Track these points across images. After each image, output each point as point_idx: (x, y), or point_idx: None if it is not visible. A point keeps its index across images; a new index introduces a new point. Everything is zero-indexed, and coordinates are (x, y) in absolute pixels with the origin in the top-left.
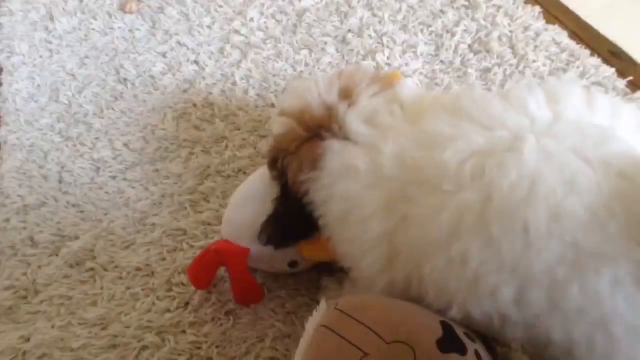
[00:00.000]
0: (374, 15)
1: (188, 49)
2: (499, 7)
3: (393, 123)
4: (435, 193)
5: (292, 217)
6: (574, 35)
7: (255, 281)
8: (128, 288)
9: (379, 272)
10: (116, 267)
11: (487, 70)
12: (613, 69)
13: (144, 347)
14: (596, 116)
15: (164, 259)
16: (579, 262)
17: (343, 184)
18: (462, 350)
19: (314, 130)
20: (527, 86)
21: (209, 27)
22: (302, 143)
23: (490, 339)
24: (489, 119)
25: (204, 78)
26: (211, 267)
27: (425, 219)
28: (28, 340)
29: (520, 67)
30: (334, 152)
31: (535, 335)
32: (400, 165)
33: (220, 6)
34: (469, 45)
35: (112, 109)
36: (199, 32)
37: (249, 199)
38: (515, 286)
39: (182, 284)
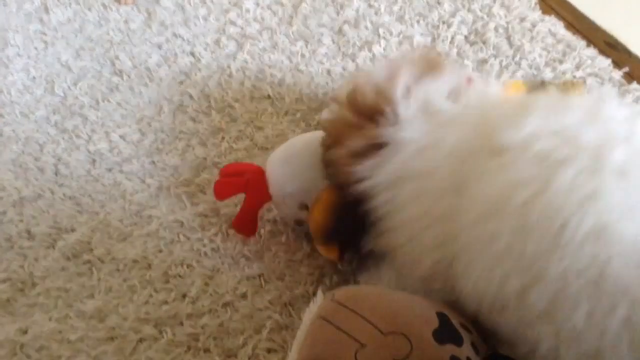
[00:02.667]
0: (370, 6)
1: (184, 40)
2: None
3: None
4: (495, 163)
5: (353, 214)
6: (570, 27)
7: (256, 220)
8: (125, 280)
9: (431, 249)
10: (113, 259)
11: (484, 61)
12: (609, 60)
13: (142, 339)
14: None
15: (161, 251)
16: (599, 285)
17: (409, 165)
18: (459, 341)
19: (367, 115)
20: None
21: (204, 18)
22: (354, 129)
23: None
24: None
25: (200, 70)
26: (235, 189)
27: (478, 190)
28: (25, 332)
29: (517, 59)
30: (395, 137)
31: (524, 339)
32: (466, 143)
33: None
34: (465, 37)
35: (108, 101)
36: (194, 23)
37: (290, 161)
38: (522, 280)
39: (180, 276)
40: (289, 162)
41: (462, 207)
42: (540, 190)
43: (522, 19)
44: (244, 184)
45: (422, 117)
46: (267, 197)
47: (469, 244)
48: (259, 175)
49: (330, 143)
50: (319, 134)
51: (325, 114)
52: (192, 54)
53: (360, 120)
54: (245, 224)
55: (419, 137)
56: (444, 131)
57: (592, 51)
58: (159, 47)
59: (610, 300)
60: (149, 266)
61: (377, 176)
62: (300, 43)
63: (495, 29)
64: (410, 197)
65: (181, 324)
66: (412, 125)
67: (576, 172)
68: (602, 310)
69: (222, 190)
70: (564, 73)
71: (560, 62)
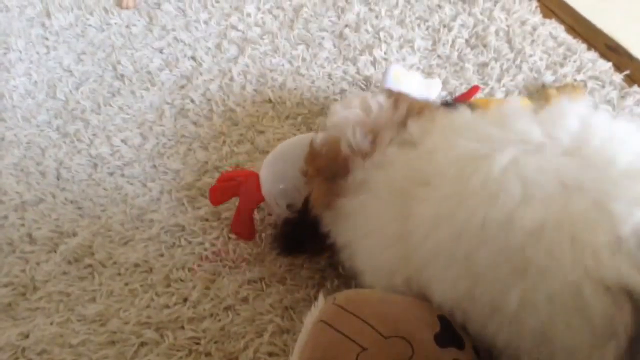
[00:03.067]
0: (371, 10)
1: (185, 44)
2: (496, 2)
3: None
4: (428, 189)
5: (308, 229)
6: (571, 30)
7: (253, 223)
8: (127, 284)
9: (392, 271)
10: (115, 263)
11: (484, 64)
12: (610, 63)
13: (143, 343)
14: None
15: (162, 255)
16: (523, 269)
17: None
18: (460, 345)
19: (336, 174)
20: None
21: (206, 22)
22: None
23: None
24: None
25: (201, 74)
26: (228, 193)
27: (417, 213)
28: (27, 336)
29: (517, 62)
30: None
31: (485, 339)
32: (410, 171)
33: (217, 2)
34: (466, 40)
35: (110, 105)
36: (196, 27)
37: (281, 159)
38: (467, 280)
39: (181, 280)
40: (278, 162)
41: (411, 230)
42: (458, 201)
43: (523, 23)
44: (237, 186)
45: (376, 162)
46: (260, 197)
47: (423, 259)
48: (252, 178)
49: (310, 175)
50: (307, 136)
51: (319, 139)
52: (194, 58)
53: (332, 172)
54: (242, 227)
55: (370, 179)
56: (383, 173)
57: (592, 54)
58: (161, 51)
59: (532, 280)
60: (150, 270)
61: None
62: (302, 47)
63: (496, 33)
64: (365, 228)
65: (182, 327)
66: (367, 170)
67: (478, 180)
68: (530, 290)
69: (217, 195)
70: (564, 76)
71: (561, 65)
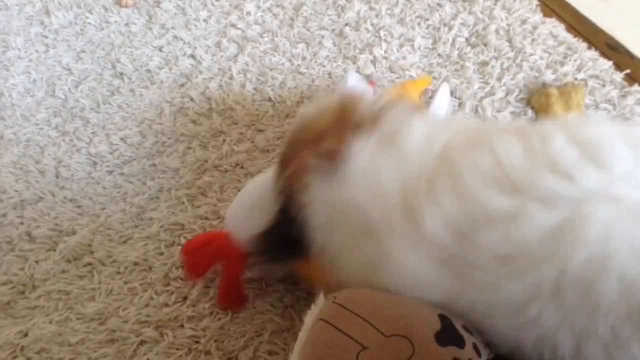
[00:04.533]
0: (371, 8)
1: (185, 43)
2: (496, 1)
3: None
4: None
5: (290, 233)
6: (571, 29)
7: (242, 290)
8: (126, 283)
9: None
10: (114, 261)
11: (485, 63)
12: (610, 62)
13: (143, 342)
14: None
15: (161, 254)
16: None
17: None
18: (461, 344)
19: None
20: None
21: (205, 21)
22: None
23: None
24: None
25: (200, 72)
26: (208, 258)
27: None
28: (26, 335)
29: (518, 61)
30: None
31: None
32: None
33: (217, 0)
34: (467, 39)
35: (109, 103)
36: (195, 26)
37: (248, 196)
38: (573, 341)
39: (180, 278)
40: (243, 204)
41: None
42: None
43: (523, 21)
44: (214, 252)
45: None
46: (244, 256)
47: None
48: (226, 238)
49: (288, 159)
50: (265, 175)
51: (306, 109)
52: (193, 56)
53: (316, 158)
54: (233, 296)
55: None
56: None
57: (593, 53)
58: (160, 49)
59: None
60: (150, 269)
61: (315, 204)
62: (301, 45)
63: (497, 31)
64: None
65: (182, 326)
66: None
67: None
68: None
69: (195, 268)
70: (565, 75)
71: (562, 64)
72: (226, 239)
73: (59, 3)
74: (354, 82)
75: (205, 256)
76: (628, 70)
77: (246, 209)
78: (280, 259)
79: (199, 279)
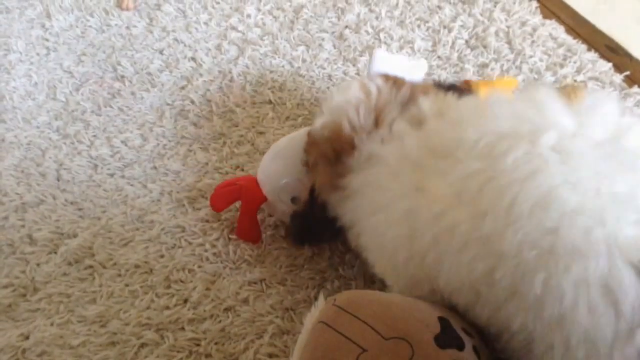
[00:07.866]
0: (371, 11)
1: (185, 45)
2: (496, 3)
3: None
4: (448, 162)
5: (317, 218)
6: (571, 31)
7: (258, 225)
8: (127, 285)
9: (397, 248)
10: (115, 264)
11: (485, 65)
12: (610, 64)
13: (143, 345)
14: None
15: (162, 256)
16: (552, 251)
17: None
18: (460, 346)
19: (340, 154)
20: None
21: (206, 23)
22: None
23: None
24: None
25: (201, 75)
26: (230, 197)
27: (432, 187)
28: (27, 338)
29: (518, 63)
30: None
31: (498, 322)
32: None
33: (218, 3)
34: (466, 41)
35: (110, 106)
36: (196, 28)
37: (279, 156)
38: (487, 262)
39: (181, 281)
40: (276, 160)
41: (421, 206)
42: (487, 178)
43: (523, 23)
44: (237, 190)
45: (382, 137)
46: (262, 198)
47: (433, 238)
48: (251, 181)
49: (312, 163)
50: (300, 132)
51: (317, 123)
52: (194, 59)
53: (335, 153)
54: (248, 229)
55: (379, 153)
56: (394, 146)
57: (592, 55)
58: (161, 52)
59: (562, 263)
60: (151, 271)
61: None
62: (302, 48)
63: (496, 33)
64: (372, 204)
65: (183, 329)
66: (374, 144)
67: (516, 157)
68: (557, 274)
69: (218, 201)
70: (565, 77)
71: (561, 66)
72: (249, 182)
73: (60, 6)
74: (381, 60)
75: (229, 192)
76: (628, 72)
77: (272, 158)
78: (307, 240)
79: (220, 210)
